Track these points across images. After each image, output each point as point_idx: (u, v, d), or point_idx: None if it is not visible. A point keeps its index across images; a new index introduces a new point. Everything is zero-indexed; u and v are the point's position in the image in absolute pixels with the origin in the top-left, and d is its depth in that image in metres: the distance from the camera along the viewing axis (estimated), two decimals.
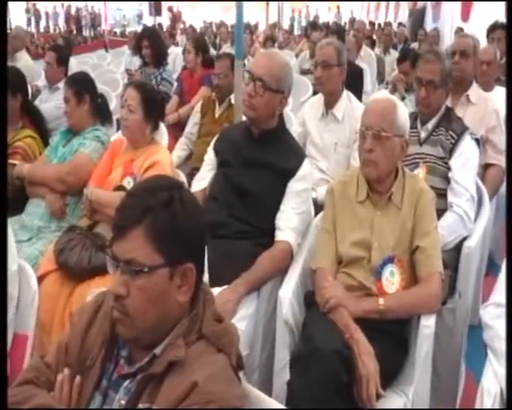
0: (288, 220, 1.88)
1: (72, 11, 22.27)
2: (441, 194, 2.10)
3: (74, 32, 18.86)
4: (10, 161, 2.60)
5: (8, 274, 1.43)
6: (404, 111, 1.77)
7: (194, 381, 0.89)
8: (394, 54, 6.65)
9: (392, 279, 1.66)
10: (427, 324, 1.60)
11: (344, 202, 1.79)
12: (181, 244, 0.97)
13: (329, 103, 2.71)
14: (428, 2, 11.89)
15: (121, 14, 24.58)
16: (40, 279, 1.91)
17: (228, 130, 2.24)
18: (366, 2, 19.70)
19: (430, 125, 2.27)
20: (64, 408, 1.01)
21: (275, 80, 1.91)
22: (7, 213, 1.35)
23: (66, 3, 22.56)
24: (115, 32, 15.41)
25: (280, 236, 1.87)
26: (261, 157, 1.93)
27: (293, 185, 1.92)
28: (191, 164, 3.10)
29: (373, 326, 1.57)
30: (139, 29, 10.92)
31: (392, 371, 1.60)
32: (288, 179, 1.92)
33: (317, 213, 2.08)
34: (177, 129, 3.53)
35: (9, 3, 9.74)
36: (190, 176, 2.56)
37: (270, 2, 8.93)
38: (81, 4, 21.83)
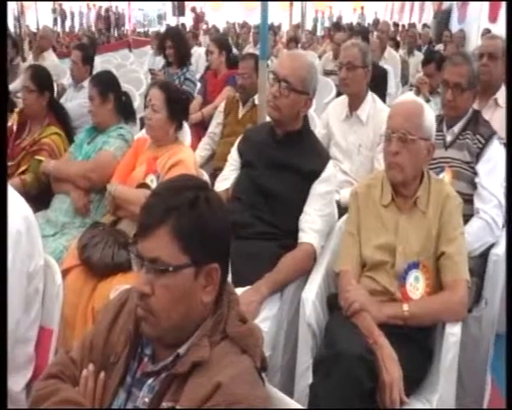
0: (312, 222, 1.87)
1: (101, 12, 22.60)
2: (467, 199, 2.06)
3: (103, 31, 19.07)
4: (37, 156, 2.66)
5: (35, 269, 1.45)
6: (430, 114, 1.74)
7: (218, 382, 0.89)
8: (419, 55, 6.57)
9: (416, 285, 1.63)
10: (453, 331, 1.57)
11: (368, 205, 1.77)
12: (206, 244, 0.97)
13: (354, 105, 2.69)
14: (454, 3, 11.71)
15: (143, 14, 24.71)
16: (64, 274, 1.92)
17: (252, 130, 2.23)
18: (390, 3, 19.50)
19: (456, 128, 2.23)
20: (89, 408, 1.01)
21: (300, 81, 1.90)
22: (6, 213, 1.37)
23: (95, 4, 22.90)
24: (138, 33, 15.57)
25: (303, 238, 1.86)
26: (285, 159, 1.92)
27: (318, 187, 1.91)
28: (214, 164, 3.11)
29: (396, 332, 1.55)
30: (161, 29, 11.00)
31: (416, 378, 1.57)
32: (312, 181, 1.91)
33: (340, 215, 2.07)
34: (200, 129, 3.53)
35: (38, 3, 9.95)
36: (213, 176, 2.57)
37: (294, 3, 8.92)
38: (106, 4, 22.12)
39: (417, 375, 1.58)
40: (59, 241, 2.32)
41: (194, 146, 3.02)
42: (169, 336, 0.99)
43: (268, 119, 2.32)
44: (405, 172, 1.70)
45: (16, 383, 1.42)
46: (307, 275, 1.81)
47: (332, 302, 1.73)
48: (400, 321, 1.58)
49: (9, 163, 2.66)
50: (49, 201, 2.56)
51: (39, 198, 2.53)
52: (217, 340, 0.98)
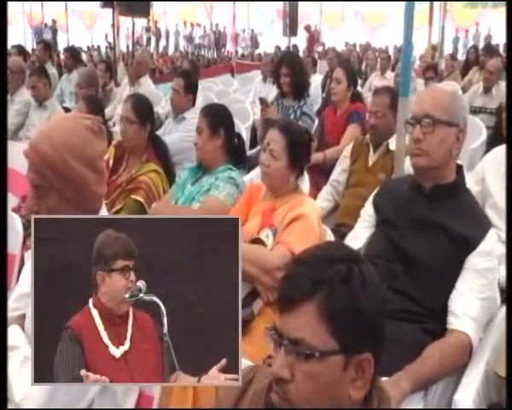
0: (467, 305, 1.81)
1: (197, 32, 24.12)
2: None
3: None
4: (133, 196, 2.86)
5: None
6: None
7: None
8: None
9: None
10: None
11: None
12: (359, 329, 0.99)
13: None
14: None
15: (246, 33, 25.50)
16: None
17: (391, 182, 2.24)
18: None
19: None
20: None
21: (444, 111, 1.88)
22: (6, 213, 1.46)
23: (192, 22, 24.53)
24: (243, 55, 16.29)
25: (455, 324, 1.80)
26: (434, 218, 1.90)
27: (475, 261, 1.85)
28: (337, 218, 3.10)
29: None
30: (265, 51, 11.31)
31: None
32: (467, 251, 1.86)
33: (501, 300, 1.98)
34: (317, 174, 3.47)
35: (136, 21, 10.93)
36: (335, 232, 2.58)
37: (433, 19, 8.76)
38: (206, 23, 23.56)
39: None
40: None
41: (311, 195, 3.07)
42: None
43: (407, 169, 2.29)
44: None
45: None
46: (459, 373, 1.75)
47: None
48: None
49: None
50: None
51: None
52: None
